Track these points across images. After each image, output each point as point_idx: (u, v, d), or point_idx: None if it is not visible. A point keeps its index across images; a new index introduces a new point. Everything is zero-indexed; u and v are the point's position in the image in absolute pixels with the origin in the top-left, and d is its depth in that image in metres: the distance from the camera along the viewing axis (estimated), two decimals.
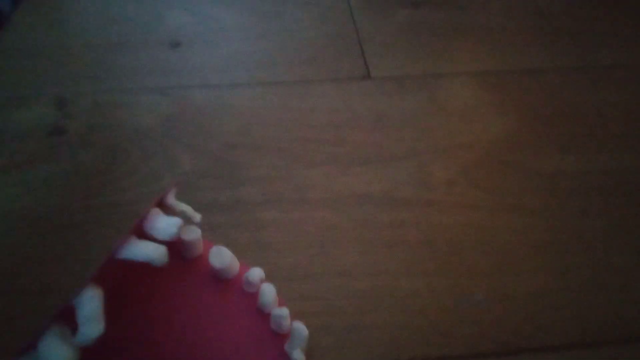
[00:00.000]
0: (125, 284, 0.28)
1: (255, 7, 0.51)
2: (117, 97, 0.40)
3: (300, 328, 0.25)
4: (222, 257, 0.28)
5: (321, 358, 0.26)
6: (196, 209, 0.32)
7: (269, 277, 0.29)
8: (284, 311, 0.25)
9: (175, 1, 0.51)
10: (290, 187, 0.34)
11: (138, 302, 0.27)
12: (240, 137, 0.37)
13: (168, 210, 0.23)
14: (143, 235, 0.22)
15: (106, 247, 0.28)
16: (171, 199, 0.24)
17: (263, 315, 0.27)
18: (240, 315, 0.27)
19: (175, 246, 0.29)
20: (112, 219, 0.31)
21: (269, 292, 0.26)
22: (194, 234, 0.29)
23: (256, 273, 0.27)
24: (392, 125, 0.39)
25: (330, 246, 0.31)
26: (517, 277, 0.29)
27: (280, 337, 0.26)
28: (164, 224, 0.22)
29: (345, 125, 0.39)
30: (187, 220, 0.23)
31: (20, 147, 0.36)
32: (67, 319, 0.19)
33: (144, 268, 0.28)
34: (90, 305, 0.19)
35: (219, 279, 0.28)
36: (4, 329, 0.26)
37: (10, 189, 0.33)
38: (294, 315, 0.27)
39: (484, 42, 0.47)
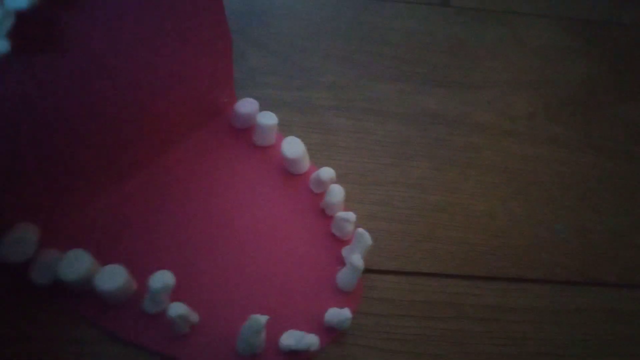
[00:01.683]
0: (187, 162, 0.26)
1: None
2: None
3: (364, 234, 0.23)
4: (295, 147, 0.26)
5: (390, 263, 0.24)
6: (264, 105, 0.30)
7: (338, 179, 0.27)
8: (350, 215, 0.24)
9: None
10: (362, 97, 0.32)
11: (197, 180, 0.26)
12: (309, 42, 0.35)
13: None
14: None
15: None
16: None
17: (326, 217, 0.25)
18: (303, 213, 0.25)
19: (249, 132, 0.28)
20: None
21: (337, 192, 0.25)
22: (270, 120, 0.27)
23: (327, 172, 0.25)
24: (471, 54, 0.36)
25: (402, 158, 0.29)
26: (598, 214, 0.28)
27: (340, 242, 0.24)
28: None
29: (421, 47, 0.36)
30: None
31: None
32: None
33: (211, 147, 0.27)
34: None
35: (287, 173, 0.27)
36: None
37: None
38: (362, 218, 0.26)
39: None
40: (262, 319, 0.20)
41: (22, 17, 0.16)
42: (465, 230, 0.26)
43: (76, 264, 0.20)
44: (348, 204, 0.26)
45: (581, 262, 0.26)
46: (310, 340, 0.20)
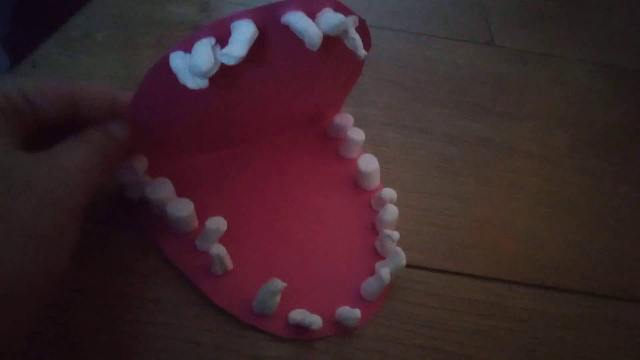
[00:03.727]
0: (279, 149, 0.30)
1: None
2: None
3: (400, 254, 0.24)
4: (370, 164, 0.29)
5: (439, 263, 0.27)
6: None
7: (388, 184, 0.30)
8: (394, 234, 0.26)
9: None
10: (412, 118, 0.35)
11: (279, 164, 0.30)
12: (366, 68, 0.39)
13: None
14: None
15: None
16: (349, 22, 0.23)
17: (374, 232, 0.27)
18: (356, 222, 0.28)
19: (338, 142, 0.31)
20: None
21: (391, 212, 0.27)
22: (359, 136, 0.30)
23: (388, 192, 0.27)
24: (514, 89, 0.39)
25: (449, 172, 0.32)
26: (636, 241, 0.29)
27: (378, 257, 0.26)
28: (333, 18, 0.21)
29: (467, 79, 0.39)
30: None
31: (167, 33, 0.38)
32: (219, 34, 0.20)
33: (303, 144, 0.31)
34: (246, 30, 0.20)
35: (357, 186, 0.29)
36: None
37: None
38: (410, 221, 0.28)
39: (608, 39, 0.47)
40: (281, 284, 0.22)
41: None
42: (508, 241, 0.28)
43: (159, 188, 0.24)
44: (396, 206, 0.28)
45: (616, 278, 0.27)
46: (313, 319, 0.22)
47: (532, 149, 0.34)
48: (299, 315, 0.23)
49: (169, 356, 0.22)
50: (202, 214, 0.25)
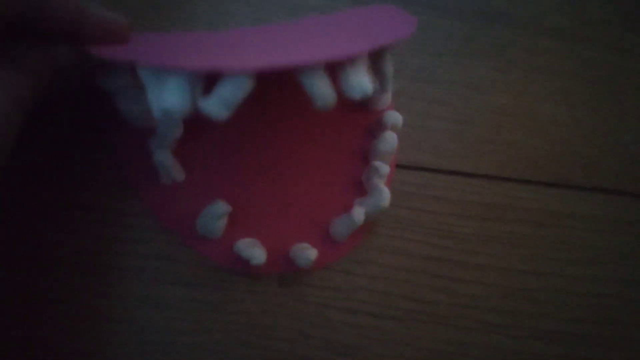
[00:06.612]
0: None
1: None
2: None
3: (384, 192, 0.20)
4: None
5: (446, 162, 0.23)
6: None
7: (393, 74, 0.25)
8: (384, 168, 0.21)
9: None
10: None
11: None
12: None
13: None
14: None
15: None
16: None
17: (365, 162, 0.23)
18: (348, 152, 0.23)
19: None
20: None
21: (389, 141, 0.22)
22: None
23: (394, 116, 0.22)
24: None
25: (462, 56, 0.27)
26: None
27: (363, 193, 0.22)
28: (361, 80, 0.17)
29: None
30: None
31: None
32: (209, 77, 0.16)
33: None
34: (236, 90, 0.15)
35: (362, 104, 0.24)
36: None
37: None
38: (417, 116, 0.24)
39: None
40: (225, 208, 0.19)
41: None
42: (528, 135, 0.24)
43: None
44: (401, 100, 0.24)
45: None
46: (255, 252, 0.19)
47: (561, 25, 0.29)
48: (244, 245, 0.20)
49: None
50: None
